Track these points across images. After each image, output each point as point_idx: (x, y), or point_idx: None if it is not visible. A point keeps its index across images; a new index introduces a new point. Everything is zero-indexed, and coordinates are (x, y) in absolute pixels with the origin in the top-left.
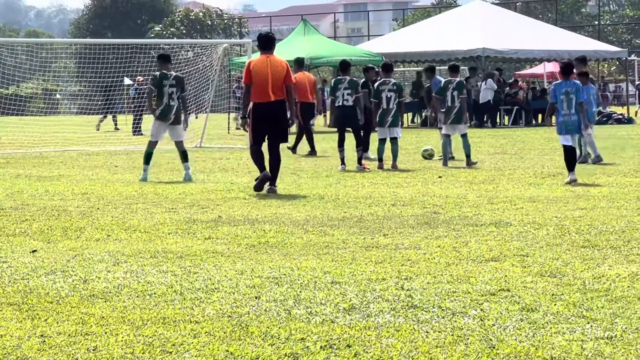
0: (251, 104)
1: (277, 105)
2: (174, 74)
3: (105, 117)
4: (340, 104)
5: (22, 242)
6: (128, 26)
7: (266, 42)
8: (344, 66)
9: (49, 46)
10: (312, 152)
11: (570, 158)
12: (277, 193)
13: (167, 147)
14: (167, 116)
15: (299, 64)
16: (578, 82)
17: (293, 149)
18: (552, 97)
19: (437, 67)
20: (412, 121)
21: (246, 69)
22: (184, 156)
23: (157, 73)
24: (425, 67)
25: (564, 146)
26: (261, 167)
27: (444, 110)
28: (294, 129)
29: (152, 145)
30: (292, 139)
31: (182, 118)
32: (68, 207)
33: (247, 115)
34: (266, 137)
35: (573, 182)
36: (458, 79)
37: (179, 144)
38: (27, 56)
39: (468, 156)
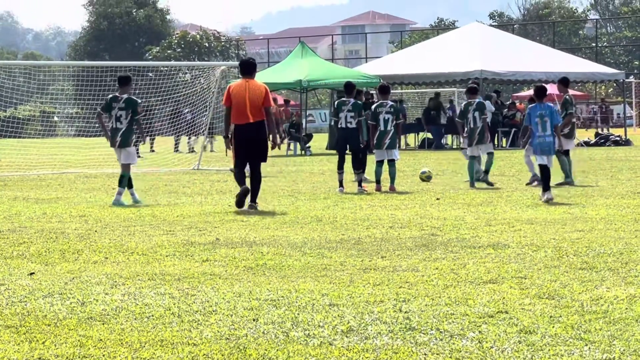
0: (233, 126)
1: (255, 126)
2: (125, 96)
3: (179, 138)
4: (344, 126)
5: (19, 265)
6: (125, 48)
7: (246, 68)
8: (348, 88)
9: (47, 69)
10: None
11: (546, 178)
12: (257, 210)
13: (164, 169)
14: (113, 139)
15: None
16: (552, 105)
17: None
18: (526, 121)
19: (441, 90)
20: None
21: (226, 93)
22: (120, 180)
23: (110, 96)
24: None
25: (540, 166)
26: (241, 183)
27: (466, 134)
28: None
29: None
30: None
31: (133, 141)
32: (66, 229)
33: (229, 135)
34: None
35: (549, 200)
36: (478, 100)
37: (124, 167)
38: (25, 79)
39: (487, 172)
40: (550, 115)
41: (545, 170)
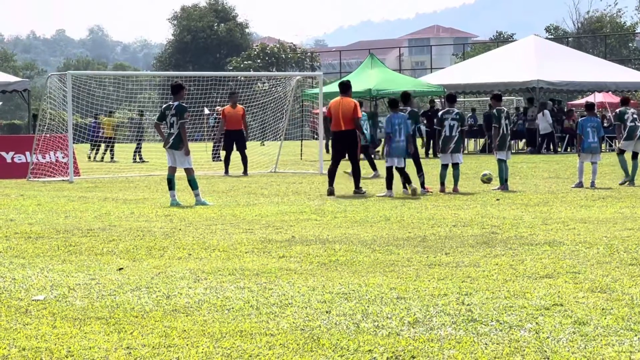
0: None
1: (346, 133)
2: (176, 104)
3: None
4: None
5: (109, 261)
6: (208, 60)
7: (342, 88)
8: (404, 97)
9: (134, 79)
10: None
11: (390, 177)
12: (362, 194)
13: (237, 172)
14: (166, 141)
15: (231, 96)
16: (404, 114)
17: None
18: (386, 128)
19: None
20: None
21: (328, 107)
22: (190, 184)
23: (164, 106)
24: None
25: (387, 167)
26: (330, 182)
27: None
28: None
29: (170, 170)
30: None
31: (181, 145)
32: (152, 228)
33: (329, 139)
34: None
35: (389, 196)
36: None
37: (186, 172)
38: (115, 88)
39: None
40: (404, 123)
41: (391, 170)
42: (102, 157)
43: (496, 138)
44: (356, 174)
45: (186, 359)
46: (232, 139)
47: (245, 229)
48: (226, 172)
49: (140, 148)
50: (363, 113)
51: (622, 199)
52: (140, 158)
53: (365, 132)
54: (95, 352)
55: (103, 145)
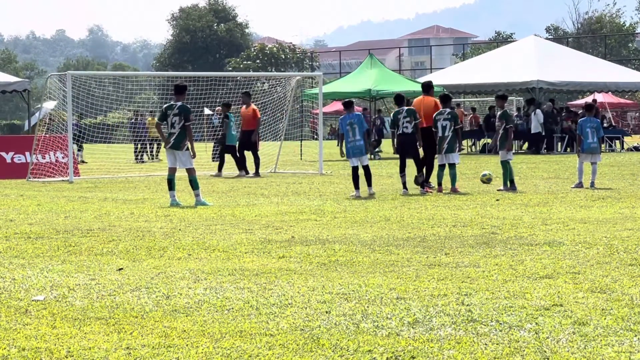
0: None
1: (428, 130)
2: (179, 104)
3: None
4: (401, 132)
5: (109, 261)
6: (207, 60)
7: (424, 87)
8: (398, 99)
9: (134, 79)
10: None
11: (355, 177)
12: (432, 188)
13: (233, 172)
14: (167, 141)
15: (245, 95)
16: (360, 114)
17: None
18: (340, 128)
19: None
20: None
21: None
22: (191, 184)
23: (165, 105)
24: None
25: (352, 167)
26: (420, 173)
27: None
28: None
29: (170, 171)
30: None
31: (186, 145)
32: (152, 228)
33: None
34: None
35: (357, 197)
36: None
37: (188, 172)
38: (114, 88)
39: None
40: (358, 123)
41: (355, 170)
42: (155, 155)
43: (511, 138)
44: (429, 169)
45: (186, 359)
46: (243, 139)
47: (245, 229)
48: (245, 172)
49: (145, 147)
50: (230, 114)
51: (622, 199)
52: (141, 158)
53: (233, 133)
54: (95, 352)
55: (148, 145)
